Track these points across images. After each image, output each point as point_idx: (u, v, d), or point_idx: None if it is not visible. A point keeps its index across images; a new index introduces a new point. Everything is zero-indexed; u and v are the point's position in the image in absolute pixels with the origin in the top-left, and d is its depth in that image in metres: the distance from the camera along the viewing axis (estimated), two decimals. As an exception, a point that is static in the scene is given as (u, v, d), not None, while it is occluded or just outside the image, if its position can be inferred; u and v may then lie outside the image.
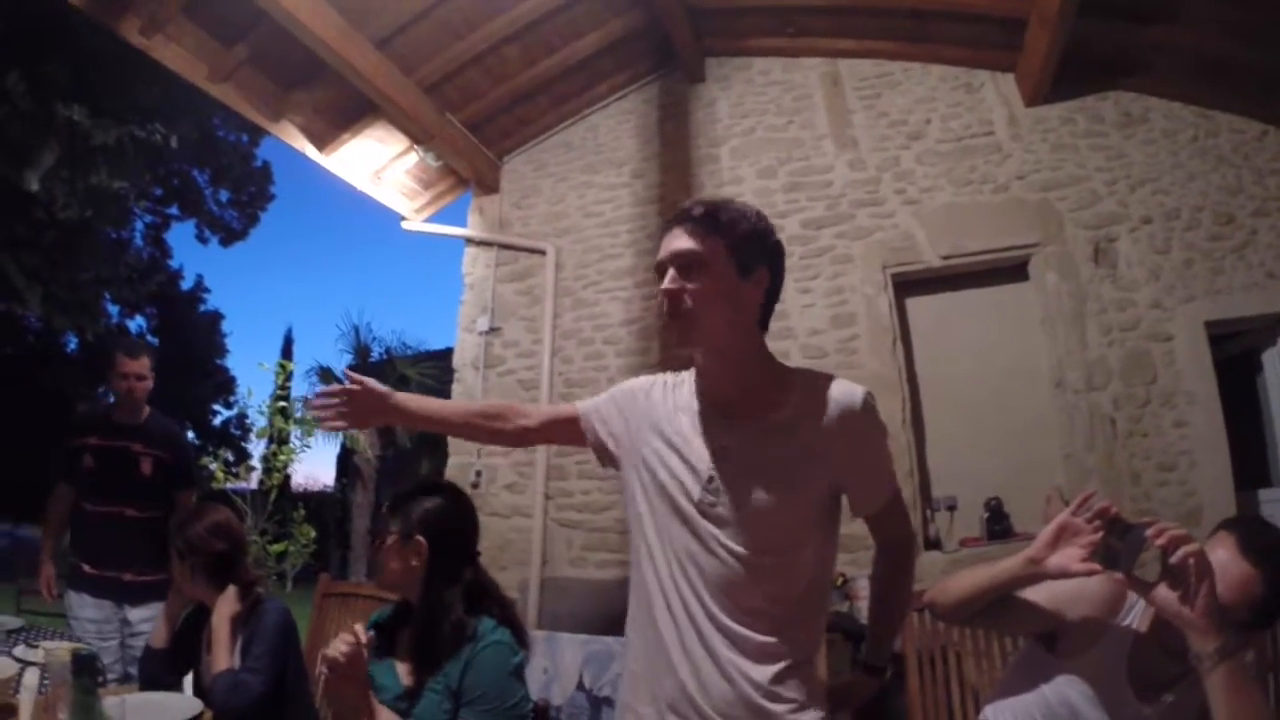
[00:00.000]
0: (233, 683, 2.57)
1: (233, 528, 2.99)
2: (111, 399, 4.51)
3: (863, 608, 5.28)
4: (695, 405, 1.81)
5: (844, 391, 1.72)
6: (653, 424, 1.86)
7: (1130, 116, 6.21)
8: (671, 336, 1.73)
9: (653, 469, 1.80)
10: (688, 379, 1.89)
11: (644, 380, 1.98)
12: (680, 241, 1.71)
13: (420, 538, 2.25)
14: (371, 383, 2.05)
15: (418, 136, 7.01)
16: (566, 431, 2.09)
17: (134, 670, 3.78)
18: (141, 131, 12.92)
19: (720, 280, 1.68)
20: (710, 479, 1.69)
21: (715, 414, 1.76)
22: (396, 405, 2.07)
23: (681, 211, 1.75)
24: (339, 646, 1.93)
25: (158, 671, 2.94)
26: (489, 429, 2.12)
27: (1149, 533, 1.64)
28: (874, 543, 1.97)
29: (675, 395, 1.87)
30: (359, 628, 2.00)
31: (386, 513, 2.36)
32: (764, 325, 1.80)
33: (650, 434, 1.85)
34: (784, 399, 1.73)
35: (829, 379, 1.77)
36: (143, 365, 4.31)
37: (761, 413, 1.72)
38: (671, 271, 1.70)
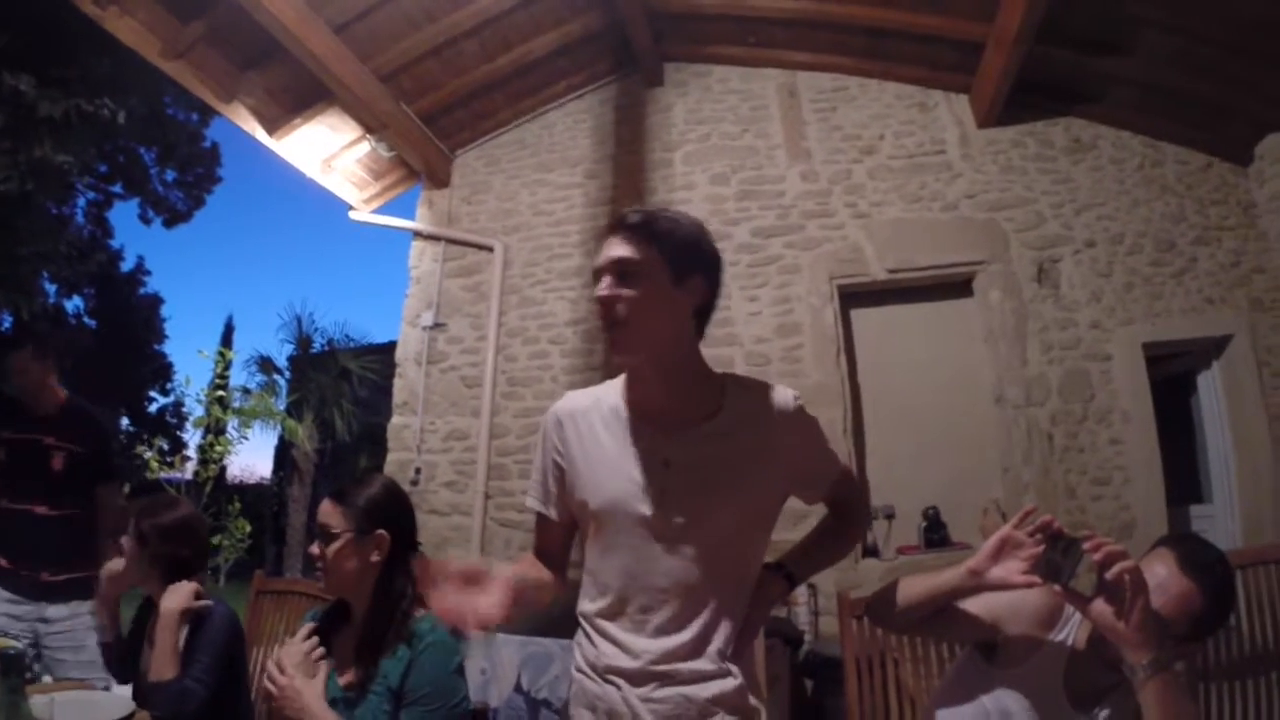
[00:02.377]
0: (179, 691, 2.46)
1: (200, 531, 2.92)
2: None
3: (800, 613, 5.32)
4: (626, 420, 1.78)
5: (774, 394, 1.79)
6: (579, 454, 1.81)
7: (1080, 143, 6.36)
8: (608, 345, 1.70)
9: (584, 500, 1.77)
10: (608, 393, 1.86)
11: (553, 415, 1.89)
12: (616, 249, 1.68)
13: (381, 531, 2.19)
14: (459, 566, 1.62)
15: (371, 125, 6.93)
16: (558, 534, 1.93)
17: (39, 668, 3.66)
18: (89, 105, 12.55)
19: (655, 287, 1.67)
20: (662, 493, 1.67)
21: (650, 426, 1.74)
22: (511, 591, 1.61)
23: (618, 219, 1.74)
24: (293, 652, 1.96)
25: (120, 660, 2.89)
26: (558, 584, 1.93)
27: (1086, 547, 1.66)
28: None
29: (597, 415, 1.83)
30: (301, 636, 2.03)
31: (329, 511, 2.23)
32: (700, 333, 1.78)
33: (581, 464, 1.80)
34: (717, 405, 1.74)
35: (758, 383, 1.81)
36: (19, 358, 3.97)
37: (698, 420, 1.72)
38: (608, 279, 1.68)
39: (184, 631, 2.61)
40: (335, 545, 2.16)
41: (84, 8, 5.40)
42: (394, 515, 2.25)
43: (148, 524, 2.76)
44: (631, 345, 1.68)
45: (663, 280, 1.67)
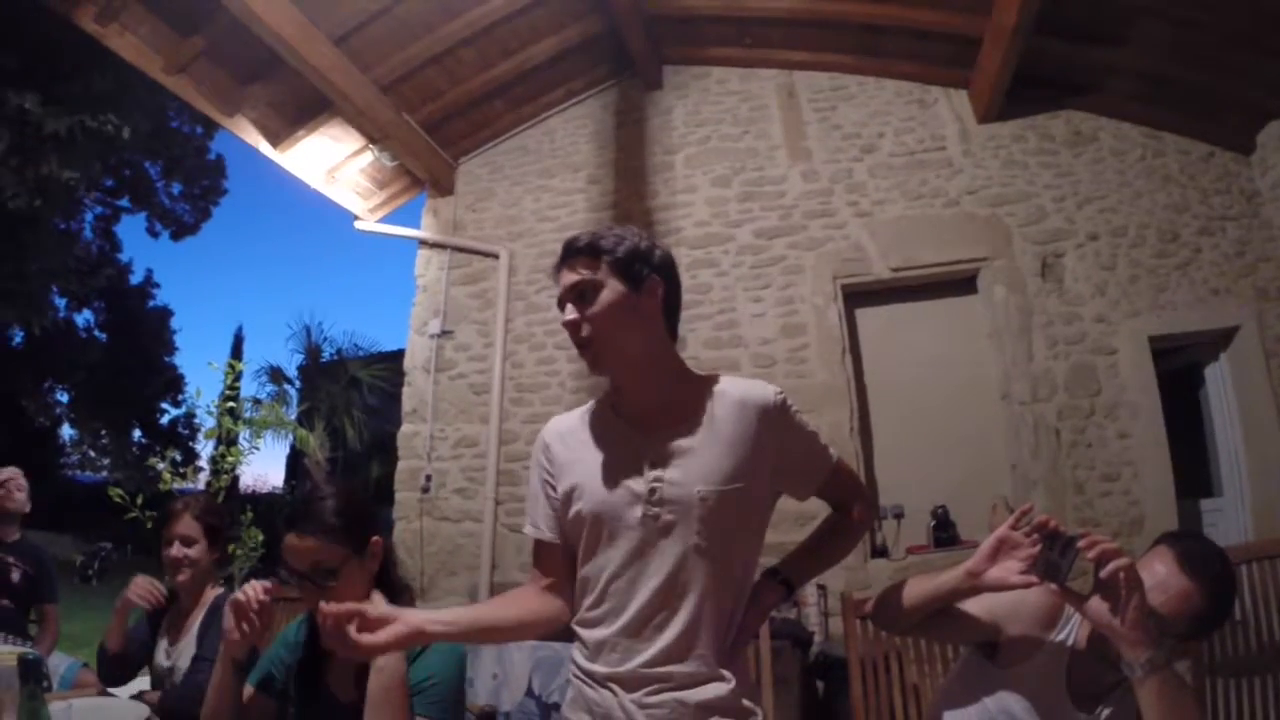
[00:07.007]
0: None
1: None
2: None
3: (810, 614, 5.31)
4: (611, 428, 1.82)
5: (754, 390, 1.80)
6: (568, 468, 1.83)
7: (1080, 135, 6.34)
8: (587, 366, 1.77)
9: (577, 510, 1.77)
10: (593, 408, 1.91)
11: (541, 439, 1.93)
12: (570, 275, 1.76)
13: (376, 537, 2.08)
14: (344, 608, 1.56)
15: (373, 135, 6.96)
16: (559, 558, 1.87)
17: None
18: (94, 121, 12.64)
19: (615, 297, 1.73)
20: (652, 491, 1.69)
21: (637, 430, 1.77)
22: (418, 628, 1.61)
23: (566, 248, 1.80)
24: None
25: (112, 672, 2.94)
26: (544, 619, 1.86)
27: (1080, 545, 1.67)
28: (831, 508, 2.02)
29: (583, 428, 1.87)
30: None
31: (319, 548, 1.97)
32: (673, 334, 1.84)
33: (570, 477, 1.81)
34: (700, 404, 1.76)
35: (738, 381, 1.83)
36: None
37: (682, 419, 1.75)
38: (570, 306, 1.76)
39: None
40: (344, 580, 1.98)
41: (85, 26, 5.45)
42: (370, 513, 2.14)
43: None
44: (605, 359, 1.75)
45: (620, 290, 1.73)
